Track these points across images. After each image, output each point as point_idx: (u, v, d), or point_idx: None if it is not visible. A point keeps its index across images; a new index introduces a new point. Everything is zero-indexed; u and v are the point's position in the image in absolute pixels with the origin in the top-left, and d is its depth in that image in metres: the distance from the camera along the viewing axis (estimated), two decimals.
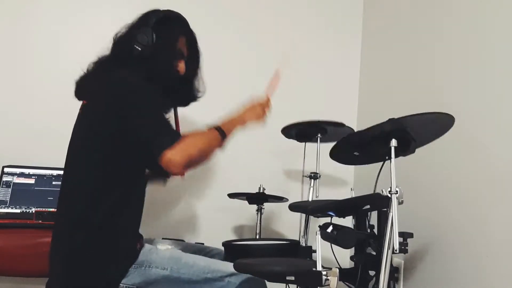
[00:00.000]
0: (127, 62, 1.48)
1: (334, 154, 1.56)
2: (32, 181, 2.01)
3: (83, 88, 1.54)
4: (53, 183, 2.02)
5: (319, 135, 2.13)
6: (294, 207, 2.02)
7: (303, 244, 2.03)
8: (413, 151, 1.44)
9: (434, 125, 1.42)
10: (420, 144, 1.48)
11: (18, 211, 1.95)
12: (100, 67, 1.52)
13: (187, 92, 1.64)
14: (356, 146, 1.50)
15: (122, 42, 1.52)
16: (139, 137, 1.34)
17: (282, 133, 2.16)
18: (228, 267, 1.43)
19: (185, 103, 1.68)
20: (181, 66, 1.58)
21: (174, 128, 1.43)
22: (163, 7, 1.61)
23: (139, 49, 1.47)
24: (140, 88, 1.39)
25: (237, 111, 1.59)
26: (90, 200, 1.36)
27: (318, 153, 2.16)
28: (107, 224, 1.36)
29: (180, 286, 1.39)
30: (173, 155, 1.27)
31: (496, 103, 1.63)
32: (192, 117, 2.45)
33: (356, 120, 2.68)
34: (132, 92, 1.38)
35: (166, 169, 1.28)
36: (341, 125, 2.06)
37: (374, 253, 1.58)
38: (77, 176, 1.41)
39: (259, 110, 1.62)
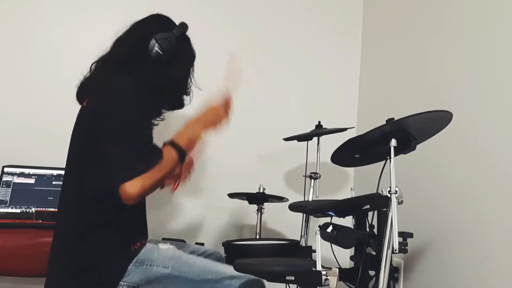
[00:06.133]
0: (136, 64, 1.46)
1: (336, 159, 1.56)
2: (32, 181, 2.01)
3: (84, 90, 1.53)
4: (53, 183, 2.02)
5: (319, 136, 2.14)
6: (294, 207, 2.03)
7: (303, 244, 2.03)
8: (414, 149, 1.45)
9: (433, 122, 1.42)
10: (420, 141, 1.49)
11: (18, 211, 1.95)
12: (104, 67, 1.51)
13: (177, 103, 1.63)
14: (357, 149, 1.50)
15: (137, 40, 1.49)
16: (108, 154, 1.31)
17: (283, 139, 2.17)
18: (228, 269, 1.43)
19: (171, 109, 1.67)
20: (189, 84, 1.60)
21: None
22: (163, 8, 1.60)
23: (160, 53, 1.47)
24: (136, 103, 1.37)
25: (196, 117, 1.48)
26: (89, 201, 1.36)
27: (318, 153, 2.16)
28: (106, 224, 1.36)
29: (180, 285, 1.39)
30: (130, 187, 1.24)
31: (495, 103, 1.63)
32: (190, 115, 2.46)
33: (356, 120, 2.67)
34: (126, 105, 1.35)
35: (122, 194, 1.26)
36: (340, 130, 2.06)
37: (374, 253, 1.59)
38: (76, 177, 1.41)
39: (221, 111, 1.51)
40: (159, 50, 1.47)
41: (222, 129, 1.47)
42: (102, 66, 1.52)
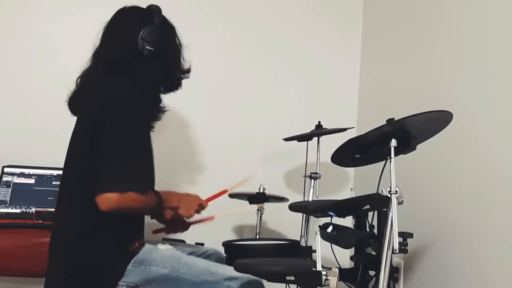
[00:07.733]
0: (132, 66, 1.46)
1: (336, 159, 1.56)
2: (32, 181, 2.01)
3: (78, 100, 1.52)
4: (53, 183, 2.02)
5: (319, 136, 2.14)
6: (294, 207, 2.02)
7: (303, 244, 2.03)
8: (414, 149, 1.45)
9: (433, 122, 1.42)
10: (420, 141, 1.49)
11: (18, 211, 1.95)
12: (95, 75, 1.49)
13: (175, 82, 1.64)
14: (357, 149, 1.50)
15: (124, 43, 1.48)
16: (101, 160, 1.32)
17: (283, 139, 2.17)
18: (228, 270, 1.43)
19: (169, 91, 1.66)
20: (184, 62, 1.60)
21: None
22: (163, 8, 1.60)
23: (151, 48, 1.46)
24: (139, 108, 1.39)
25: (178, 194, 1.58)
26: (86, 201, 1.36)
27: (318, 153, 2.16)
28: (104, 225, 1.36)
29: (179, 286, 1.38)
30: (113, 198, 1.28)
31: (495, 103, 1.63)
32: (191, 115, 2.46)
33: (356, 120, 2.67)
34: (130, 113, 1.37)
35: (98, 201, 1.28)
36: (340, 130, 2.07)
37: (374, 253, 1.59)
38: (74, 178, 1.41)
39: (193, 206, 1.58)
40: (150, 47, 1.46)
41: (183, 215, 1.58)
42: (92, 75, 1.50)
